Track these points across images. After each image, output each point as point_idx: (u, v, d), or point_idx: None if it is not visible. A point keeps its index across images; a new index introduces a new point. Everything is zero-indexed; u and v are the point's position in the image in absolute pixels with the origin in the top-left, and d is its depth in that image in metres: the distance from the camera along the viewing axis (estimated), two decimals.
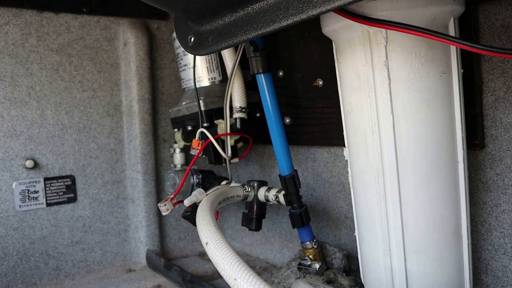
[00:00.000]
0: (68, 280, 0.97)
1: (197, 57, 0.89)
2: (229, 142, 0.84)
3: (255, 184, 0.82)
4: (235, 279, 0.47)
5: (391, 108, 0.55)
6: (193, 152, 0.83)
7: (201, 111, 0.87)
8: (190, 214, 0.82)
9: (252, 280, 0.46)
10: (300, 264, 0.77)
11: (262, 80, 0.73)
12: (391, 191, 0.56)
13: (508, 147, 0.62)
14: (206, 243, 0.54)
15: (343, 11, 0.52)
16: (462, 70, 0.58)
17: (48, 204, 0.96)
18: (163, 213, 0.77)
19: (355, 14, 0.52)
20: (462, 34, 0.60)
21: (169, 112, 0.96)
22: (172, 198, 0.77)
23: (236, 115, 0.84)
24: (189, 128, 0.92)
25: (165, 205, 0.76)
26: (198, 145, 0.82)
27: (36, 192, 0.94)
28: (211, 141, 0.82)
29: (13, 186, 0.92)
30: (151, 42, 1.07)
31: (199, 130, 0.83)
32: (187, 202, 0.74)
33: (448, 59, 0.56)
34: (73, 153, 0.98)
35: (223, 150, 0.83)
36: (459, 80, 0.56)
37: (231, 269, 0.48)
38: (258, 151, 1.04)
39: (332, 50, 0.63)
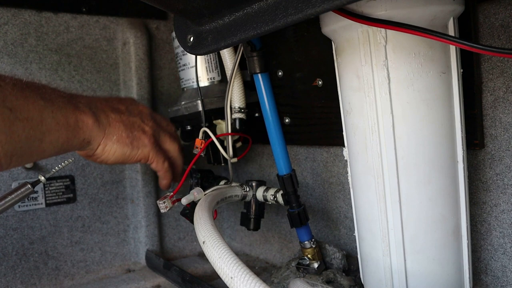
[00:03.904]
0: (67, 280, 0.97)
1: (197, 56, 0.89)
2: (230, 142, 0.84)
3: (254, 184, 0.82)
4: (231, 277, 0.47)
5: (390, 108, 0.55)
6: (195, 151, 0.83)
7: (204, 110, 0.87)
8: (189, 212, 0.82)
9: (248, 278, 0.46)
10: (298, 263, 0.77)
11: (260, 80, 0.73)
12: (390, 191, 0.56)
13: (508, 147, 0.62)
14: (203, 242, 0.54)
15: (342, 10, 0.52)
16: (462, 70, 0.58)
17: (47, 204, 0.96)
18: (162, 211, 0.77)
19: (354, 14, 0.52)
20: (462, 34, 0.60)
21: (168, 112, 0.96)
22: (171, 196, 0.77)
23: (235, 115, 0.84)
24: (188, 127, 0.92)
25: (164, 202, 0.76)
26: (201, 144, 0.83)
27: (35, 192, 0.94)
28: (211, 141, 0.82)
29: (12, 186, 0.92)
30: (150, 42, 1.07)
31: (202, 129, 0.83)
32: (184, 201, 0.74)
33: (448, 59, 0.56)
34: (73, 153, 0.98)
35: (224, 150, 0.83)
36: (458, 80, 0.56)
37: (228, 268, 0.48)
38: (257, 151, 1.04)
39: (332, 50, 0.63)
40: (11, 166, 0.63)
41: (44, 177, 0.68)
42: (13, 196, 0.67)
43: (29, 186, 0.67)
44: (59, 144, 0.67)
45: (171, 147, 0.84)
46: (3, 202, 0.66)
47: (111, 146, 0.74)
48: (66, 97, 0.70)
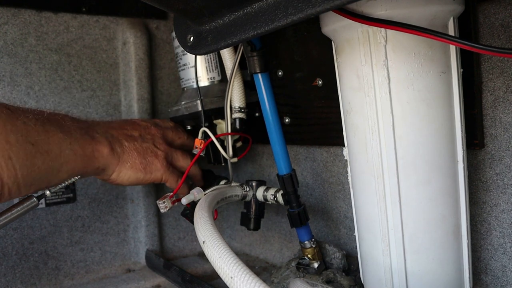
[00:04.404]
0: (67, 280, 0.97)
1: (196, 56, 0.89)
2: (230, 142, 0.84)
3: (254, 184, 0.82)
4: (231, 277, 0.47)
5: (390, 108, 0.55)
6: (195, 151, 0.83)
7: (203, 110, 0.87)
8: (189, 213, 0.82)
9: (248, 278, 0.46)
10: (298, 263, 0.77)
11: (260, 80, 0.73)
12: (390, 191, 0.56)
13: (508, 146, 0.62)
14: (203, 242, 0.54)
15: (342, 10, 0.52)
16: (462, 70, 0.58)
17: (47, 204, 0.96)
18: (162, 211, 0.77)
19: (354, 14, 0.52)
20: (462, 34, 0.60)
21: (168, 111, 0.96)
22: (171, 196, 0.77)
23: (235, 115, 0.84)
24: (189, 127, 0.92)
25: (163, 202, 0.76)
26: (200, 144, 0.83)
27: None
28: (211, 141, 0.82)
29: None
30: (150, 41, 1.07)
31: (201, 129, 0.83)
32: (184, 201, 0.74)
33: (448, 59, 0.56)
34: None
35: (224, 150, 0.83)
36: (458, 79, 0.56)
37: (228, 268, 0.48)
38: (257, 151, 1.04)
39: (332, 50, 0.63)
40: (30, 193, 0.68)
41: (49, 191, 0.70)
42: (18, 209, 0.69)
43: (35, 199, 0.69)
44: (75, 172, 0.72)
45: (185, 163, 0.87)
46: (8, 214, 0.68)
47: (125, 173, 0.79)
48: (83, 128, 0.75)
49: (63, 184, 0.72)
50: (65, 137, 0.70)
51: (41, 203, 0.95)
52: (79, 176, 0.73)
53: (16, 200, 0.74)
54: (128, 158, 0.79)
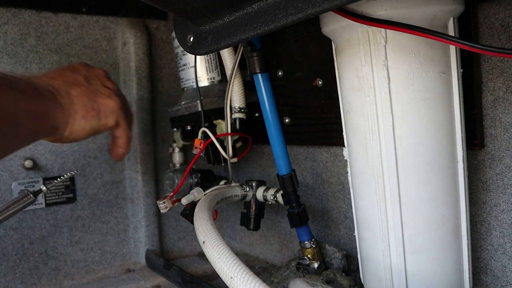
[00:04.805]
0: (67, 280, 0.97)
1: (196, 56, 0.89)
2: (230, 142, 0.84)
3: (254, 184, 0.82)
4: (231, 277, 0.47)
5: (390, 108, 0.55)
6: (195, 151, 0.83)
7: (203, 110, 0.87)
8: (189, 213, 0.82)
9: (248, 278, 0.46)
10: (298, 263, 0.77)
11: (260, 80, 0.73)
12: (390, 191, 0.56)
13: (508, 146, 0.62)
14: (203, 242, 0.54)
15: (342, 10, 0.52)
16: (462, 70, 0.58)
17: (47, 204, 0.96)
18: (162, 211, 0.77)
19: (354, 14, 0.52)
20: (462, 34, 0.60)
21: (168, 111, 0.96)
22: (171, 196, 0.77)
23: (235, 115, 0.84)
24: (188, 127, 0.92)
25: (164, 202, 0.76)
26: (200, 144, 0.82)
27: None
28: (211, 141, 0.82)
29: (12, 186, 0.92)
30: (150, 42, 1.07)
31: (201, 129, 0.83)
32: (184, 201, 0.75)
33: (448, 59, 0.56)
34: (72, 153, 0.98)
35: (223, 150, 0.83)
36: (458, 79, 0.56)
37: (228, 268, 0.48)
38: (257, 151, 1.04)
39: (332, 50, 0.63)
40: None
41: (46, 187, 0.70)
42: (14, 205, 0.69)
43: (31, 195, 0.69)
44: (31, 135, 0.65)
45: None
46: (4, 211, 0.68)
47: (78, 125, 0.71)
48: (30, 84, 0.66)
49: (59, 179, 0.71)
50: (19, 97, 0.62)
51: (41, 203, 0.95)
52: (75, 171, 0.70)
53: (14, 196, 0.74)
54: (78, 108, 0.70)
